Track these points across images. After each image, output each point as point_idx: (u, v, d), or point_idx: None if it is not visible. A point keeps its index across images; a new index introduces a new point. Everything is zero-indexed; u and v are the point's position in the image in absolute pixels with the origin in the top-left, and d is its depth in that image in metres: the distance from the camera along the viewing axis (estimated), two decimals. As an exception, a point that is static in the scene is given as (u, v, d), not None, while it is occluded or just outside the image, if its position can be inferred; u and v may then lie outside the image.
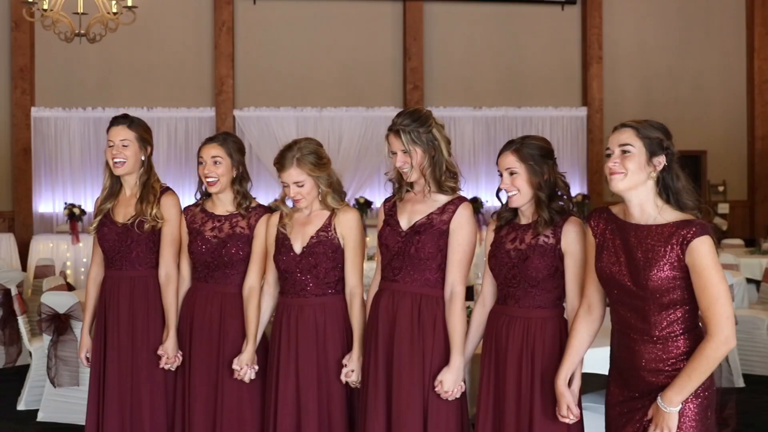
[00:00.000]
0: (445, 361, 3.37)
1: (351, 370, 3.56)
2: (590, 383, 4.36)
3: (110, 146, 3.96)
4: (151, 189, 3.95)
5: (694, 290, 2.72)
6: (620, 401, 2.93)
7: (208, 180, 3.85)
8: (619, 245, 2.85)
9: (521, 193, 3.23)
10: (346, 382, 3.59)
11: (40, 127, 11.21)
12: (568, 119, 12.05)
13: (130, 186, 3.99)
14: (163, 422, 3.90)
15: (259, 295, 3.77)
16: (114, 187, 4.02)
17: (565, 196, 3.27)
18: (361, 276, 3.65)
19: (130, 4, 7.99)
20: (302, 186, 3.61)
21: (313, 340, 3.59)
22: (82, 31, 8.34)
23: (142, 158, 3.98)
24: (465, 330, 3.40)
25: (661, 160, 2.78)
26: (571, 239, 3.17)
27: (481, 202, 10.99)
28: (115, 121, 4.00)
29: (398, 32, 11.89)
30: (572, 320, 3.13)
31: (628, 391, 2.89)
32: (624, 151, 2.78)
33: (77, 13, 8.33)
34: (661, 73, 12.23)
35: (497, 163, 3.31)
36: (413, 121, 3.43)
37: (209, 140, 3.93)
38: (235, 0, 11.60)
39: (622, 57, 12.22)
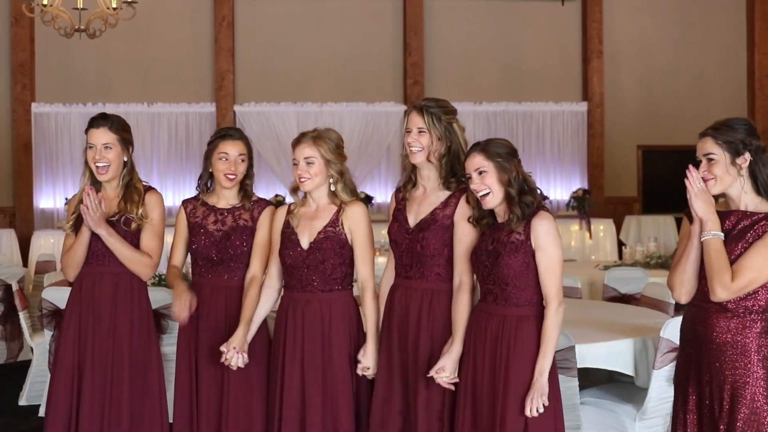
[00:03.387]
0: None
1: (367, 367, 3.53)
2: (590, 378, 4.36)
3: (90, 148, 3.83)
4: (135, 189, 3.86)
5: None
6: None
7: (229, 176, 3.81)
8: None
9: (493, 193, 3.25)
10: (354, 375, 3.58)
11: (41, 123, 11.18)
12: (569, 114, 12.03)
13: (112, 187, 3.89)
14: (165, 413, 3.90)
15: (260, 286, 3.74)
16: (94, 186, 3.87)
17: (539, 192, 3.29)
18: (372, 268, 3.60)
19: (129, -1, 7.99)
20: (312, 164, 3.56)
21: (319, 335, 3.58)
22: (82, 27, 8.32)
23: (125, 159, 3.87)
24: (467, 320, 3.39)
25: (746, 158, 3.02)
26: (541, 234, 3.19)
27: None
28: (95, 122, 3.85)
29: (398, 27, 11.87)
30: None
31: None
32: (709, 160, 3.04)
33: (77, 9, 8.31)
34: (662, 67, 12.21)
35: (464, 167, 3.33)
36: (439, 106, 3.47)
37: (232, 136, 3.85)
38: (235, -5, 11.59)
39: (622, 52, 12.19)
